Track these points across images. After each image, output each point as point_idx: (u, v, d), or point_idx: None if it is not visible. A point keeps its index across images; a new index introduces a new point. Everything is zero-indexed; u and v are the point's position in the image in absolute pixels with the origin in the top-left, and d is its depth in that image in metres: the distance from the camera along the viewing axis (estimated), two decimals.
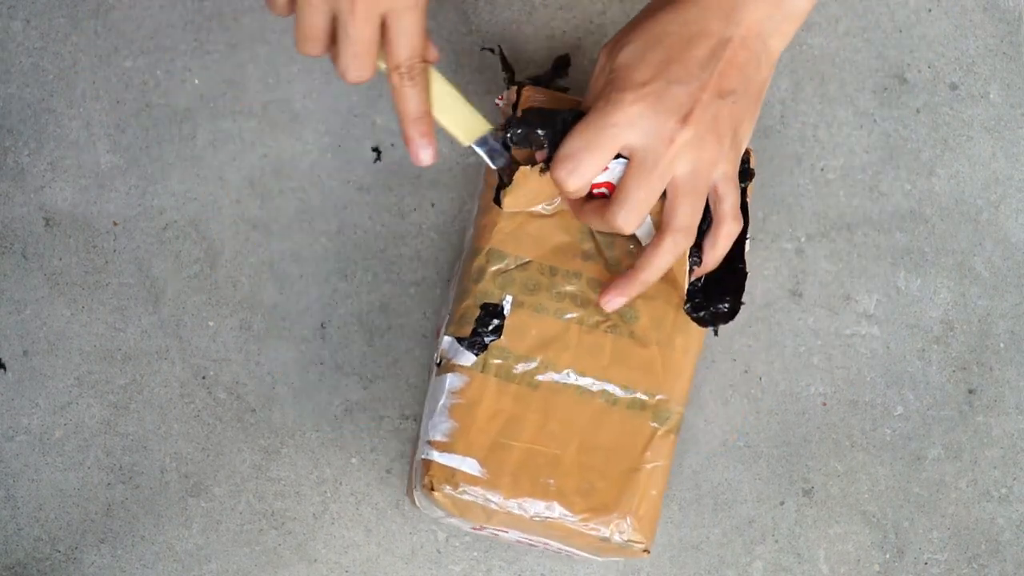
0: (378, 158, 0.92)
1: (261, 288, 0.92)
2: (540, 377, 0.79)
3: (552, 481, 0.77)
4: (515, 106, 0.83)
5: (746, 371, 0.91)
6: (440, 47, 0.93)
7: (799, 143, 0.92)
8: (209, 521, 0.91)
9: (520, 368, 0.79)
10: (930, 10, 0.93)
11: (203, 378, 0.92)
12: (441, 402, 0.79)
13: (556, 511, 0.77)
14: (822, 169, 0.92)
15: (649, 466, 0.78)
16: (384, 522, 0.91)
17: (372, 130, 0.92)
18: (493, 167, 0.79)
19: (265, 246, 0.92)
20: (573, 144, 0.74)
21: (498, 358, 0.79)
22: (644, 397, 0.79)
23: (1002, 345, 0.92)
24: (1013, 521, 0.91)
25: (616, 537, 0.78)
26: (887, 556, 0.91)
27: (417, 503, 0.85)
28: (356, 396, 0.91)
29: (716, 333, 0.81)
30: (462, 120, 0.78)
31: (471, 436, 0.78)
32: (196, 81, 0.92)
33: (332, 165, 0.92)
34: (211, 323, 0.92)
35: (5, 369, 0.92)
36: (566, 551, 0.83)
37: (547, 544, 0.82)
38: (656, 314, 0.80)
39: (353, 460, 0.91)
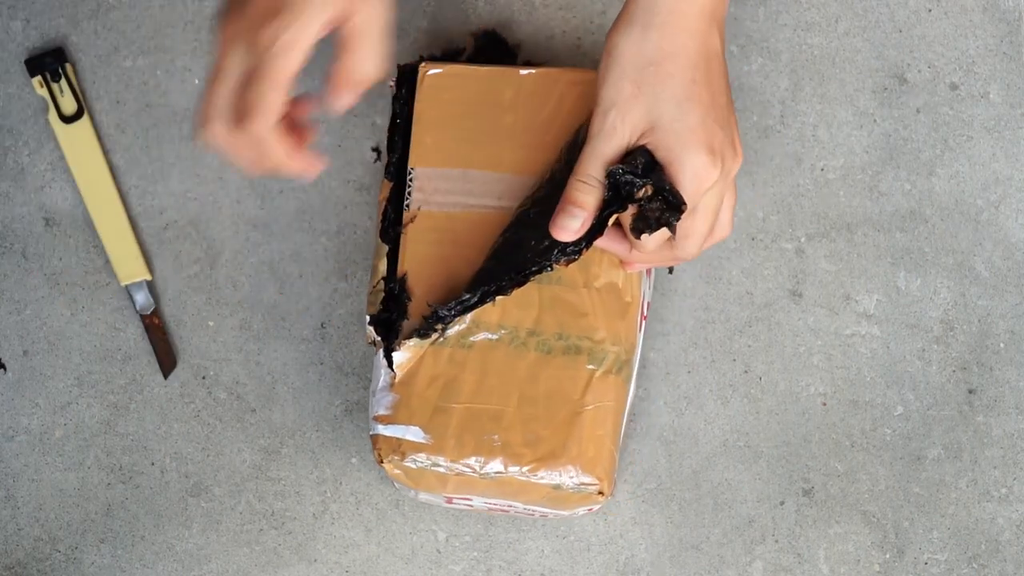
0: (378, 158, 0.92)
1: (261, 288, 0.92)
2: (473, 337, 0.79)
3: (496, 437, 0.78)
4: (399, 83, 0.83)
5: (746, 371, 0.91)
6: (440, 47, 0.92)
7: (799, 143, 0.92)
8: (209, 521, 0.91)
9: (452, 331, 0.79)
10: (930, 10, 0.93)
11: (203, 378, 0.92)
12: (382, 377, 0.79)
13: (504, 466, 0.77)
14: (822, 169, 0.92)
15: (591, 408, 0.78)
16: (384, 522, 0.91)
17: (372, 130, 0.92)
18: None
19: (265, 246, 0.92)
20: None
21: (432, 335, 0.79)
22: (577, 341, 0.79)
23: (1002, 345, 0.92)
24: (1013, 521, 0.91)
25: (567, 482, 0.78)
26: (887, 556, 0.91)
27: (394, 483, 0.85)
28: (356, 396, 0.91)
29: (671, 271, 0.81)
30: None
31: (412, 405, 0.78)
32: (196, 81, 0.92)
33: (332, 165, 0.92)
34: (211, 323, 0.92)
35: (5, 369, 0.92)
36: (538, 511, 0.83)
37: (513, 507, 0.82)
38: (585, 261, 0.79)
39: (353, 460, 0.91)
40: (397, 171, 0.83)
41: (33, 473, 0.91)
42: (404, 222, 0.81)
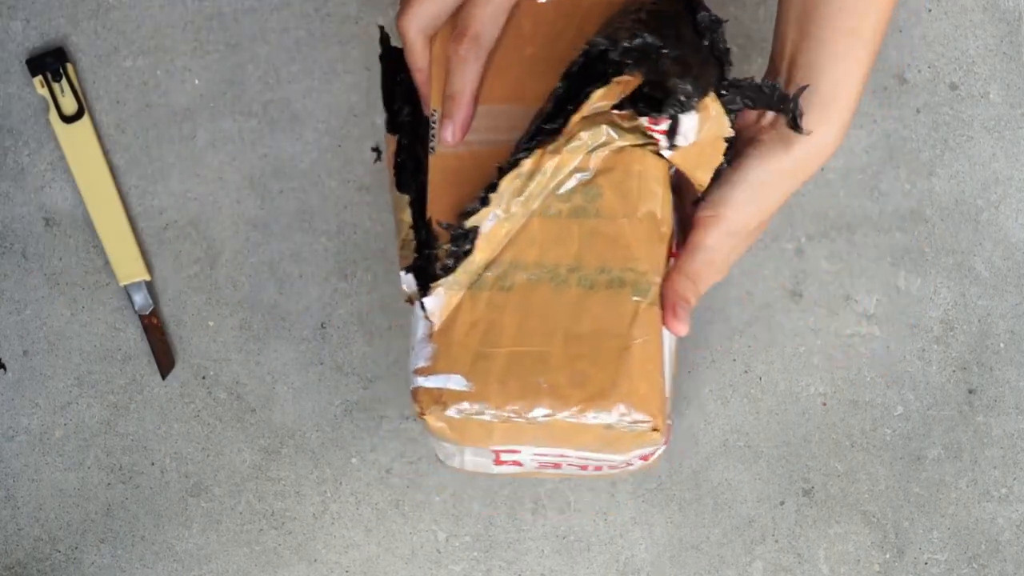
0: (378, 158, 0.92)
1: (261, 288, 0.92)
2: (511, 279, 0.76)
3: (542, 379, 0.74)
4: (383, 43, 0.82)
5: (746, 371, 0.91)
6: None
7: None
8: (209, 521, 0.91)
9: (489, 274, 0.76)
10: (930, 10, 0.93)
11: (203, 378, 0.92)
12: (419, 329, 0.76)
13: (552, 408, 0.74)
14: (822, 169, 0.92)
15: (639, 341, 0.74)
16: (384, 522, 0.91)
17: (372, 130, 0.92)
18: None
19: (265, 246, 0.92)
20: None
21: (464, 270, 0.75)
22: (620, 274, 0.75)
23: (1002, 345, 0.92)
24: (1013, 521, 0.91)
25: (619, 420, 0.73)
26: (887, 556, 0.91)
27: (438, 455, 0.81)
28: (356, 396, 0.91)
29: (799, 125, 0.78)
30: None
31: (452, 353, 0.74)
32: (196, 81, 0.92)
33: (332, 165, 0.92)
34: (211, 323, 0.92)
35: (5, 369, 0.92)
36: (591, 461, 0.79)
37: (564, 457, 0.78)
38: (619, 186, 0.76)
39: (353, 460, 0.91)
40: (406, 123, 0.81)
41: (33, 473, 0.91)
42: (430, 165, 0.78)
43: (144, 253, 0.92)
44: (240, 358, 0.92)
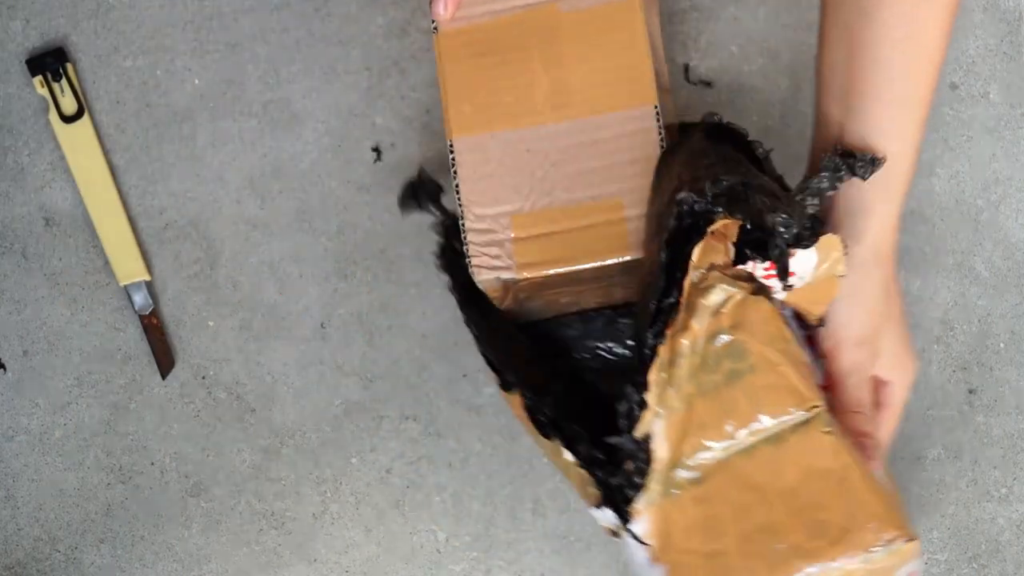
0: (378, 158, 0.92)
1: (261, 288, 0.92)
2: (700, 468, 0.72)
3: (781, 547, 0.70)
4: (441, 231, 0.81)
5: None
6: None
7: (799, 143, 0.92)
8: (209, 521, 0.91)
9: (677, 473, 0.72)
10: None
11: (203, 378, 0.92)
12: (639, 557, 0.72)
13: (806, 569, 0.70)
14: None
15: (853, 467, 0.71)
16: (384, 522, 0.91)
17: (372, 130, 0.92)
18: None
19: (265, 246, 0.92)
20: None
21: (654, 480, 0.72)
22: (800, 416, 0.72)
23: (1002, 345, 0.92)
24: (1013, 521, 0.91)
25: (876, 549, 0.69)
26: None
27: None
28: (356, 396, 0.91)
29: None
30: None
31: (685, 565, 0.71)
32: (196, 81, 0.92)
33: (332, 165, 0.92)
34: (211, 323, 0.92)
35: (5, 369, 0.92)
36: None
37: None
38: (761, 336, 0.73)
39: (353, 460, 0.91)
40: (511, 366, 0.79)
41: (33, 473, 0.91)
42: (436, 47, 0.79)
43: (144, 253, 0.92)
44: (240, 358, 0.92)
